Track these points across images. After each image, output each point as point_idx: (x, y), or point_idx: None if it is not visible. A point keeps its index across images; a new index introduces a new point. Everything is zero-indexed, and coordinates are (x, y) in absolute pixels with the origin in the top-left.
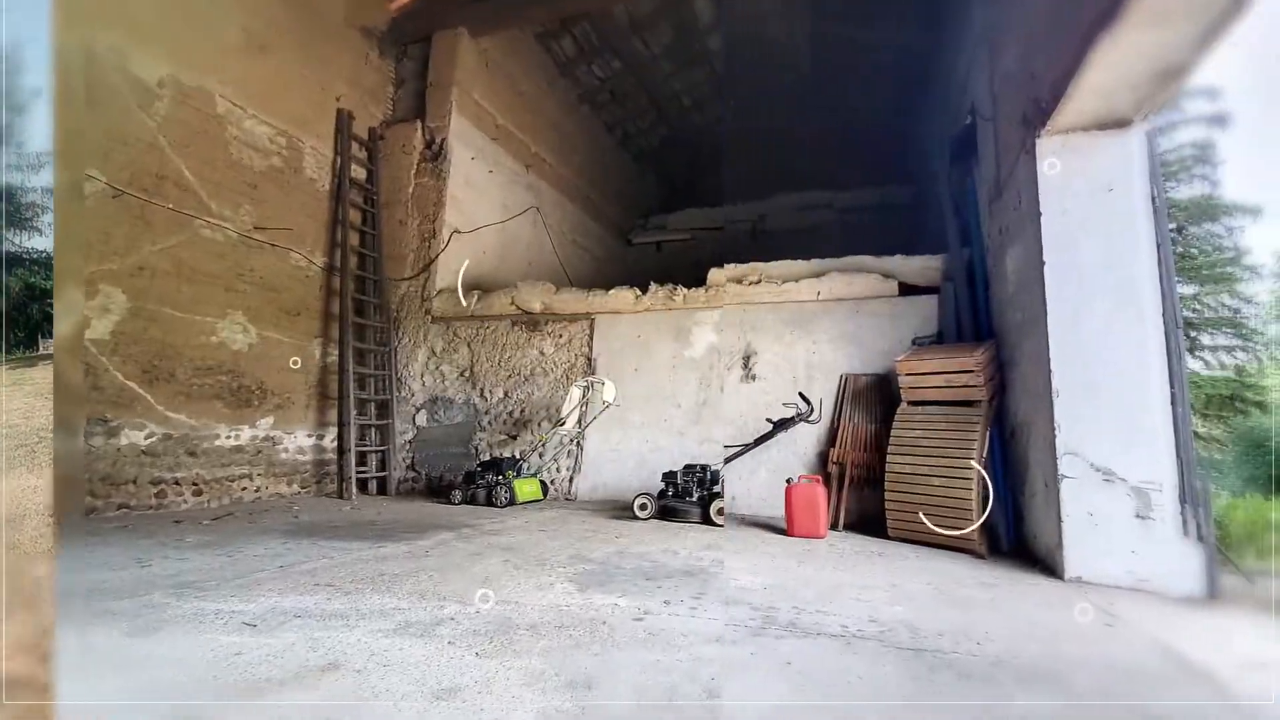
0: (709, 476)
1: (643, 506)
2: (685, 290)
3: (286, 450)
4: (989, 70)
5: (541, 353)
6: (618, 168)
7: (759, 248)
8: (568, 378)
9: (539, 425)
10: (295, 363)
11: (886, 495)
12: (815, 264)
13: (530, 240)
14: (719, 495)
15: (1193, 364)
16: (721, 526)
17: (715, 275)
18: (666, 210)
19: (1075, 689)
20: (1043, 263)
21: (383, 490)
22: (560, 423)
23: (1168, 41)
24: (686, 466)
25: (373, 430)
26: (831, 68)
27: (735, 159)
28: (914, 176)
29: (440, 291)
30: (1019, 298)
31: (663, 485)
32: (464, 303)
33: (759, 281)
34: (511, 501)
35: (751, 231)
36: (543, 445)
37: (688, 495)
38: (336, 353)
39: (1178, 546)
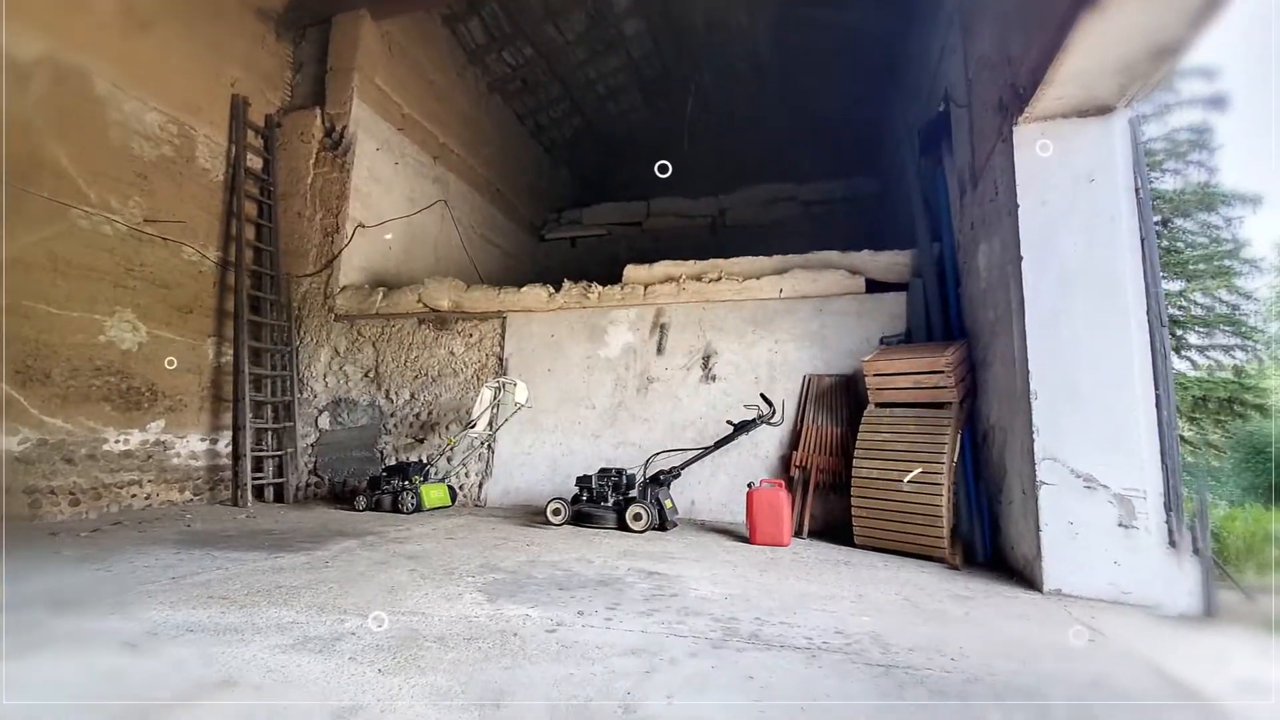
0: (625, 481)
1: (556, 512)
2: (600, 288)
3: (179, 455)
4: (963, 54)
5: (451, 352)
6: (530, 160)
7: (720, 243)
8: (478, 378)
9: (447, 428)
10: (170, 363)
11: (853, 501)
12: (778, 260)
13: (438, 235)
14: (635, 500)
15: (1179, 364)
16: (640, 532)
17: (632, 272)
18: (581, 205)
19: (1055, 710)
20: (1020, 257)
21: (280, 498)
22: (470, 425)
23: (1157, 18)
24: (601, 470)
25: (270, 434)
26: (794, 52)
27: (692, 150)
28: (882, 168)
29: (344, 288)
30: (992, 294)
31: (577, 490)
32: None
33: (719, 279)
34: (418, 508)
35: (712, 226)
36: (451, 449)
37: (603, 500)
38: (232, 352)
39: (1163, 557)
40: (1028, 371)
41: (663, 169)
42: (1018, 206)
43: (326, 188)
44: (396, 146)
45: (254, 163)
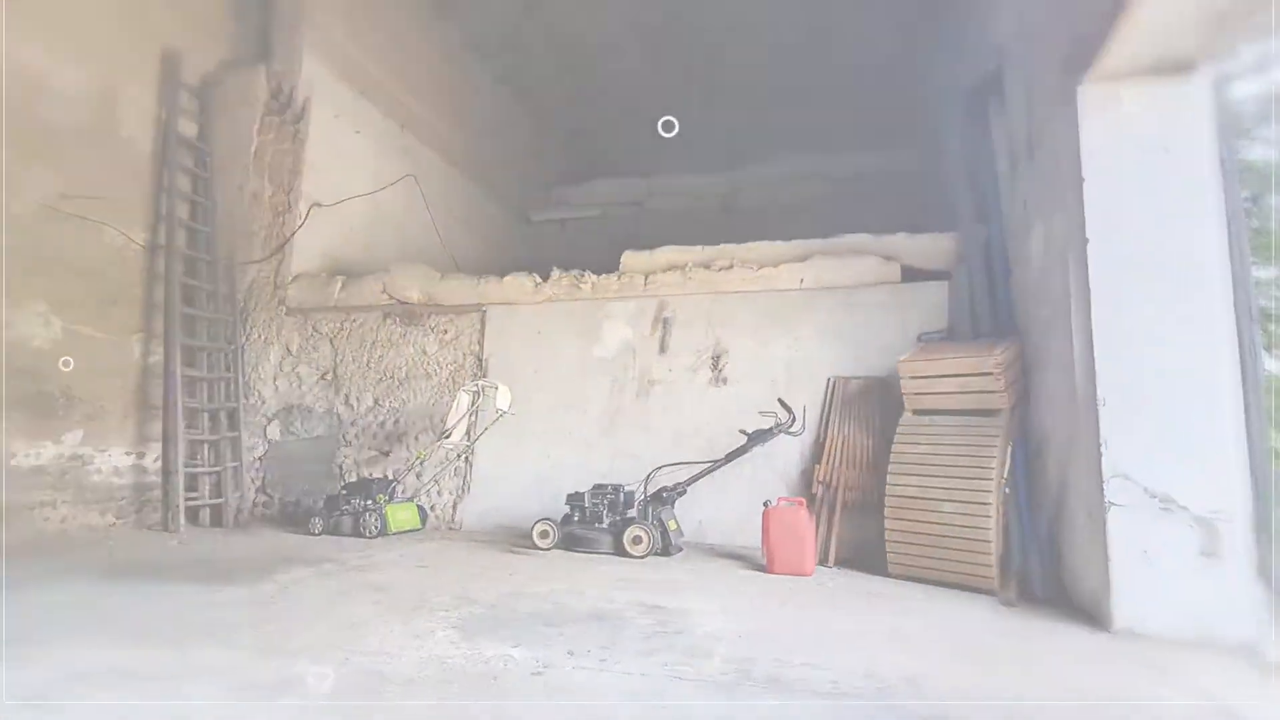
0: (622, 498)
1: (543, 534)
2: (594, 278)
3: (99, 472)
4: (1018, 3)
5: (422, 351)
6: (514, 129)
7: (732, 226)
8: (454, 381)
9: (417, 439)
10: (66, 363)
11: (887, 524)
12: (799, 245)
13: (406, 215)
14: (634, 520)
15: (1272, 364)
16: (640, 558)
17: (630, 259)
18: (572, 181)
19: None
20: (1084, 240)
21: (218, 521)
22: (445, 435)
23: None
24: (596, 486)
25: (207, 447)
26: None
27: (701, 117)
28: (922, 138)
29: (297, 277)
30: (1048, 284)
31: (567, 509)
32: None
33: (731, 267)
34: (383, 531)
35: (723, 206)
36: (421, 463)
37: (597, 521)
38: (162, 351)
39: (1254, 591)
40: (1093, 373)
41: (668, 126)
42: (1082, 181)
43: (277, 160)
44: (358, 112)
45: (188, 129)
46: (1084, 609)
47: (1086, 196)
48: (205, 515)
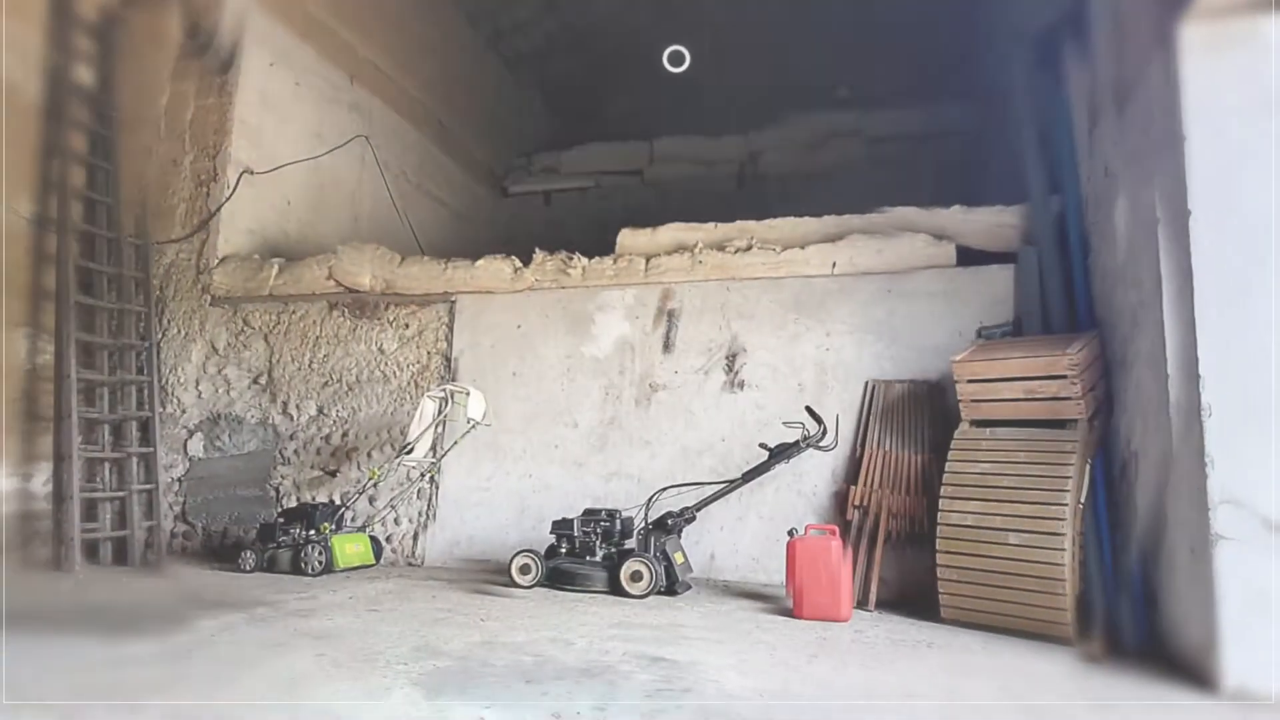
0: (619, 526)
1: (524, 569)
2: (585, 261)
3: None
4: None
5: (378, 349)
6: (487, 81)
7: (751, 199)
8: (416, 385)
9: (370, 456)
10: None
11: (939, 558)
12: (830, 222)
13: (358, 186)
14: (633, 553)
15: None
16: (640, 597)
17: (628, 239)
18: (559, 146)
19: None
20: (1186, 212)
21: (123, 558)
22: (406, 450)
23: None
24: (587, 512)
25: (109, 467)
26: None
27: (713, 67)
28: (980, 90)
29: (225, 259)
30: (1135, 266)
31: (553, 539)
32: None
33: (749, 248)
34: (329, 567)
35: (739, 176)
36: (375, 485)
37: (588, 554)
38: (53, 350)
39: None
40: (1196, 376)
41: (676, 59)
42: (1183, 140)
43: (200, 119)
44: (298, 61)
45: (84, 77)
46: (1185, 665)
47: (1189, 159)
48: (107, 550)
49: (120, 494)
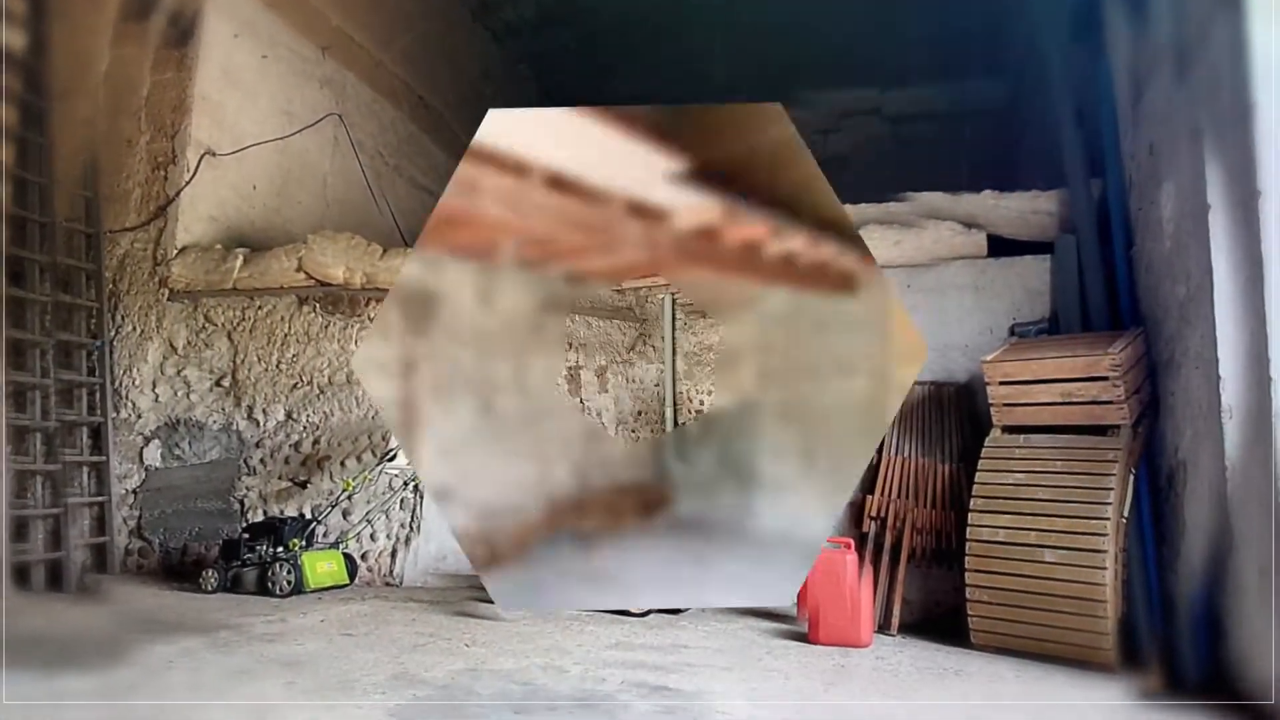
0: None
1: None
2: None
3: None
4: None
5: (354, 348)
6: (473, 55)
7: None
8: None
9: (344, 465)
10: None
11: (968, 577)
12: (847, 209)
13: (331, 169)
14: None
15: None
16: (639, 616)
17: None
18: None
19: None
20: (1256, 191)
21: (57, 583)
22: (388, 457)
23: None
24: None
25: (41, 480)
26: None
27: (720, 39)
28: (1011, 64)
29: (184, 250)
30: (1183, 257)
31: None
32: None
33: None
34: (299, 588)
35: None
36: (349, 496)
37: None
38: None
39: None
40: (1268, 378)
41: None
42: (1252, 108)
43: (157, 95)
44: (265, 31)
45: (13, 40)
46: (1252, 700)
47: (1258, 130)
48: (40, 574)
49: (55, 510)
